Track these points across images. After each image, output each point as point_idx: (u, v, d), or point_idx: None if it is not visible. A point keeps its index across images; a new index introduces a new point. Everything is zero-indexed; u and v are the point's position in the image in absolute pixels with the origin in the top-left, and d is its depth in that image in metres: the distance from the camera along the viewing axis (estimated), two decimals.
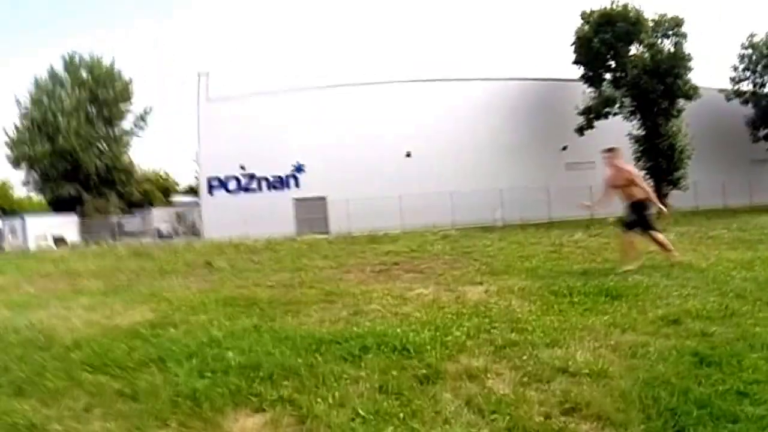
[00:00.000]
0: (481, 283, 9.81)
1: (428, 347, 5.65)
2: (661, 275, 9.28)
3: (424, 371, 4.98)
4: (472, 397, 4.37)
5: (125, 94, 53.44)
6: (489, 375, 4.88)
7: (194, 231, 44.07)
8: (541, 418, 3.93)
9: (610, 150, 11.17)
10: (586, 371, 4.76)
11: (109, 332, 7.32)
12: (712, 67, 47.36)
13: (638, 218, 10.67)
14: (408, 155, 35.11)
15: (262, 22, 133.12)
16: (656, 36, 35.49)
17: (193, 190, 71.15)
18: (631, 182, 10.70)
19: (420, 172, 34.98)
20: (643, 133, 36.09)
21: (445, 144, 36.31)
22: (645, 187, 10.93)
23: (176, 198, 67.49)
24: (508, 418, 3.92)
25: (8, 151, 50.50)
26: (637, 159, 35.36)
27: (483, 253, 15.03)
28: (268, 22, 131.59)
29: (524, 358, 5.27)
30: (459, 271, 11.84)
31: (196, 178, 70.15)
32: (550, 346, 5.62)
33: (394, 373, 4.96)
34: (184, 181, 76.89)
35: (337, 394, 4.51)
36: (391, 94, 36.38)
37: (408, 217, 31.94)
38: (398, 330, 6.37)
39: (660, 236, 10.84)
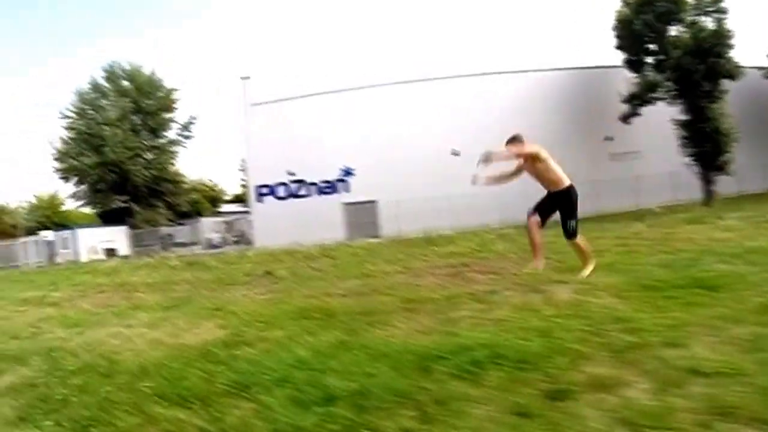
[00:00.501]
0: (565, 282, 8.89)
1: (545, 356, 4.92)
2: (743, 263, 8.55)
3: (551, 385, 4.30)
4: (615, 410, 3.81)
5: (168, 104, 53.39)
6: (621, 383, 4.26)
7: (244, 239, 44.06)
8: (701, 428, 3.45)
9: (512, 139, 9.84)
10: (720, 371, 4.24)
11: (177, 354, 6.51)
12: (748, 45, 45.75)
13: (567, 210, 9.62)
14: (456, 154, 33.55)
15: (298, 22, 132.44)
16: (697, 14, 34.29)
17: (240, 199, 71.17)
18: (540, 162, 9.48)
19: (465, 169, 33.20)
20: (688, 117, 34.81)
21: (489, 140, 34.25)
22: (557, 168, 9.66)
23: (224, 207, 67.33)
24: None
25: (56, 164, 50.58)
26: (683, 145, 34.06)
27: (550, 249, 14.09)
28: (305, 22, 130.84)
29: (649, 361, 4.66)
30: (534, 270, 10.98)
31: (242, 186, 70.43)
32: (668, 345, 4.98)
33: (522, 390, 4.26)
34: (230, 190, 76.83)
35: (470, 421, 3.82)
36: (434, 90, 35.05)
37: (457, 217, 30.82)
38: (506, 339, 5.59)
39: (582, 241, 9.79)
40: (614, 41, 36.25)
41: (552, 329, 5.84)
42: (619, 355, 4.90)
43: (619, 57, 36.60)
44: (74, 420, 4.62)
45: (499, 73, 37.05)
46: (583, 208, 26.80)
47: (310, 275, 13.92)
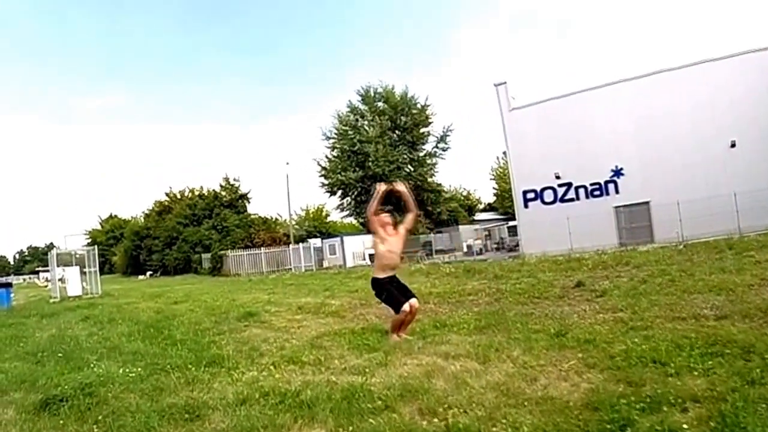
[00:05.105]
0: None
1: None
2: None
3: None
4: None
5: (423, 119, 52.16)
6: None
7: (503, 246, 41.84)
8: None
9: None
10: None
11: (569, 423, 3.65)
12: None
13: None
14: (733, 146, 27.58)
15: (551, 21, 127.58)
16: None
17: (492, 207, 69.35)
18: None
19: (747, 164, 27.03)
20: None
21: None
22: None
23: (479, 215, 65.68)
24: None
25: (323, 180, 51.72)
26: None
27: None
28: (557, 20, 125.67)
29: None
30: None
31: (495, 195, 68.51)
32: None
33: None
34: (484, 198, 75.76)
35: None
36: (707, 75, 28.29)
37: (744, 219, 25.12)
38: None
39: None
40: None
41: None
42: None
43: None
44: None
45: None
46: None
47: (637, 288, 10.46)
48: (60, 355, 8.07)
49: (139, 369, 6.50)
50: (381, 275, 7.62)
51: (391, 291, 7.45)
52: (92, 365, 6.97)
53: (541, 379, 4.80)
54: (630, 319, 7.21)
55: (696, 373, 4.49)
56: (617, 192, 30.24)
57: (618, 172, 30.11)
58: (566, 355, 5.56)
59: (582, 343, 5.94)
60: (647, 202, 28.93)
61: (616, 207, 29.79)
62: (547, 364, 5.24)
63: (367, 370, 5.59)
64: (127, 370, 6.46)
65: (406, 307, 7.23)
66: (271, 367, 6.11)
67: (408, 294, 7.47)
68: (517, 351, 5.86)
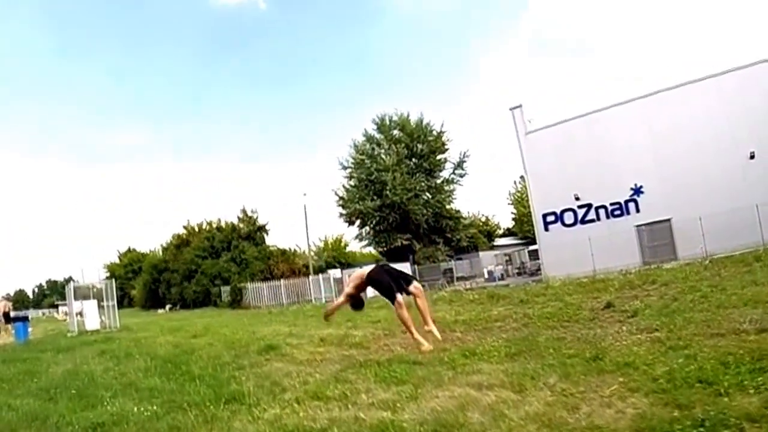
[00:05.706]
0: None
1: None
2: None
3: None
4: None
5: (439, 145, 52.37)
6: None
7: (525, 271, 41.61)
8: None
9: None
10: None
11: None
12: None
13: None
14: (752, 157, 27.11)
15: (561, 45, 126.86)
16: None
17: (512, 232, 69.06)
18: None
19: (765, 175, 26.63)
20: None
21: None
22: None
23: (498, 240, 65.56)
24: None
25: (341, 210, 51.94)
26: None
27: None
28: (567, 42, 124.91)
29: None
30: None
31: (513, 220, 68.36)
32: None
33: None
34: (502, 223, 75.81)
35: None
36: (720, 88, 28.04)
37: (767, 231, 24.97)
38: None
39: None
40: None
41: None
42: None
43: None
44: None
45: None
46: None
47: (669, 306, 10.15)
48: (73, 391, 7.84)
49: (155, 407, 6.23)
50: (370, 267, 8.33)
51: (388, 281, 7.61)
52: (106, 403, 6.75)
53: (583, 407, 4.50)
54: (667, 339, 6.89)
55: (750, 392, 4.22)
56: (638, 211, 30.04)
57: (638, 191, 29.90)
58: (606, 379, 5.25)
59: (621, 366, 5.63)
60: (668, 220, 28.71)
61: (638, 226, 29.58)
62: (587, 391, 4.94)
63: (397, 404, 5.27)
64: (143, 408, 6.20)
65: (399, 297, 7.15)
66: (295, 404, 5.78)
67: (406, 282, 7.93)
68: (553, 378, 5.56)
